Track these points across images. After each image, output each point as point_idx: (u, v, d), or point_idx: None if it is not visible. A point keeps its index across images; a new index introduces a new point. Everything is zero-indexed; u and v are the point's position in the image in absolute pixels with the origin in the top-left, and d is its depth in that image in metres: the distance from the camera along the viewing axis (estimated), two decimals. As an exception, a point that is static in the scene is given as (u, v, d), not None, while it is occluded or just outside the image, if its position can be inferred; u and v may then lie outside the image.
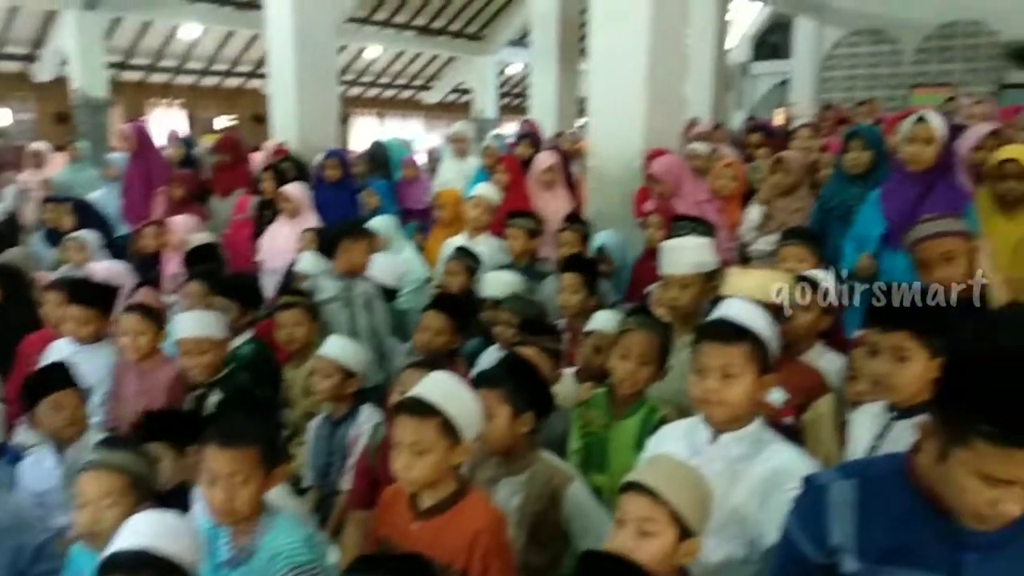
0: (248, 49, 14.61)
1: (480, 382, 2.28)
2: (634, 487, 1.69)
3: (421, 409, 1.91)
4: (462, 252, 3.98)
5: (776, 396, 2.33)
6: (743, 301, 2.08)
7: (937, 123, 3.29)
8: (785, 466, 1.85)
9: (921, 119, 3.33)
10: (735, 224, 4.49)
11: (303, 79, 6.55)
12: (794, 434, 2.34)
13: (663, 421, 2.34)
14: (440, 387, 1.97)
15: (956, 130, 4.11)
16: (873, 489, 1.50)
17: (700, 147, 5.05)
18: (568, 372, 3.02)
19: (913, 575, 1.43)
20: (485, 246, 4.32)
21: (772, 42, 14.90)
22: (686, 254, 2.83)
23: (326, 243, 3.79)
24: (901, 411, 1.93)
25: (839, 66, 12.23)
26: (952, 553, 1.40)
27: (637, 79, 4.76)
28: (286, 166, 5.47)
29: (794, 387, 2.34)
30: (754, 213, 4.32)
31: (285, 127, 6.67)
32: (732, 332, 1.92)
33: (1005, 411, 1.23)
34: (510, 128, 13.43)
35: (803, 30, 12.32)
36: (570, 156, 5.69)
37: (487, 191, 4.51)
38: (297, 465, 3.07)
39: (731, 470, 1.90)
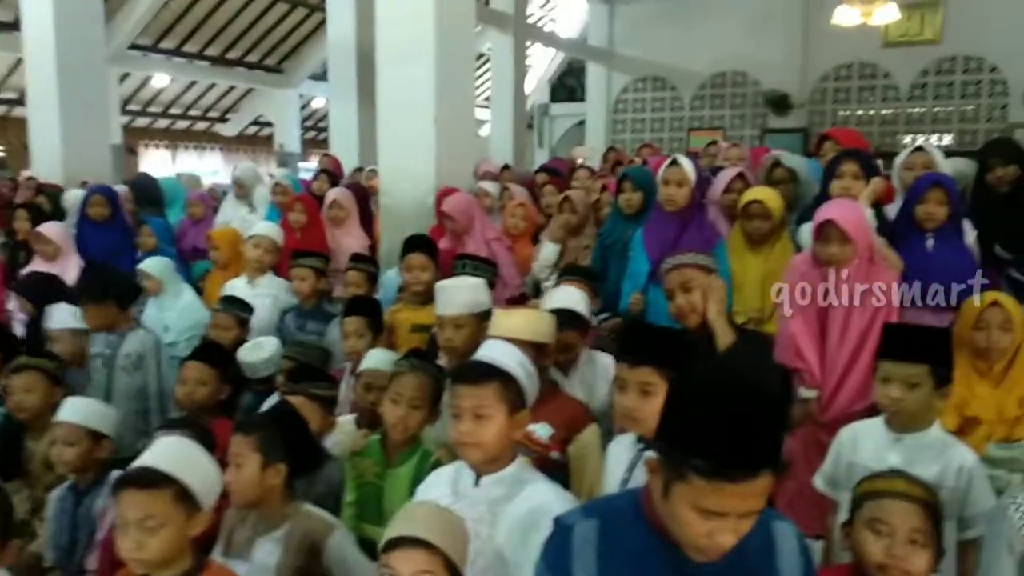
0: (12, 74, 13.31)
1: (235, 429, 2.18)
2: (405, 542, 1.64)
3: (150, 480, 1.75)
4: (229, 302, 3.76)
5: (541, 431, 2.37)
6: (501, 342, 2.10)
7: (688, 166, 3.55)
8: (543, 505, 1.87)
9: (674, 162, 3.58)
10: (526, 261, 4.60)
11: (68, 107, 6.03)
12: (563, 468, 2.40)
13: (437, 465, 2.31)
14: (170, 452, 1.82)
15: (717, 172, 4.47)
16: (612, 527, 1.52)
17: (489, 186, 5.14)
18: (346, 419, 2.92)
19: None
20: (269, 288, 4.13)
21: (569, 85, 15.71)
22: (459, 294, 2.84)
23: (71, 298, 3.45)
24: (647, 443, 2.01)
25: (628, 109, 13.07)
26: None
27: (426, 118, 4.80)
28: (40, 200, 4.96)
29: (559, 421, 2.39)
30: (548, 251, 4.45)
31: (46, 159, 6.09)
32: (481, 373, 1.94)
33: (713, 446, 1.28)
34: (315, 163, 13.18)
35: (594, 75, 13.07)
36: (370, 192, 5.61)
37: (268, 230, 4.32)
38: (39, 543, 2.72)
39: (492, 512, 1.89)
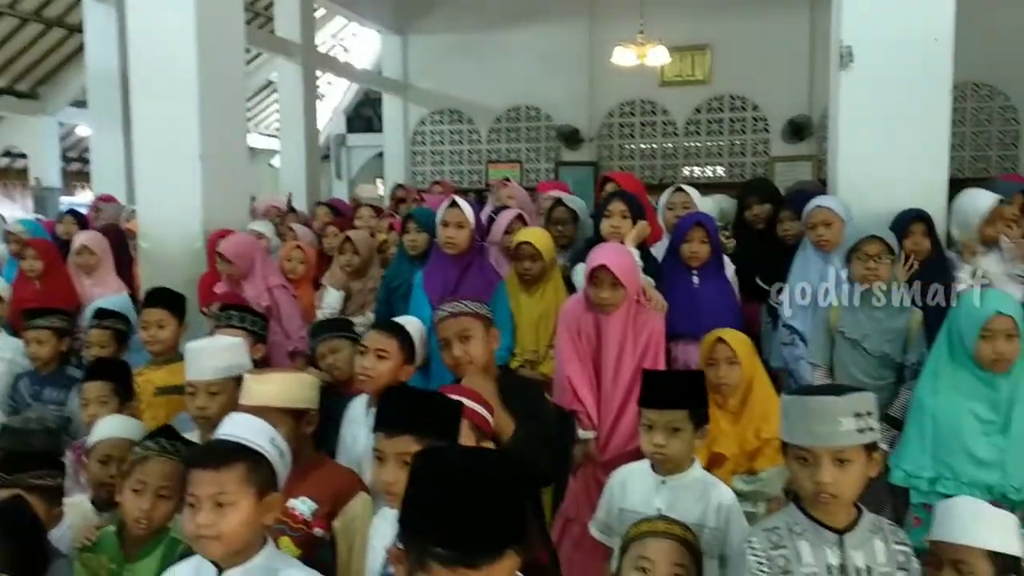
0: None
1: None
2: None
3: None
4: None
5: (303, 507, 2.17)
6: (245, 416, 1.89)
7: (467, 208, 3.50)
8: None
9: (453, 204, 3.52)
10: (310, 308, 4.35)
11: None
12: (331, 545, 2.21)
13: (185, 555, 2.03)
14: None
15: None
16: None
17: (261, 227, 4.84)
18: (78, 499, 2.54)
19: None
20: (1, 351, 3.60)
21: (366, 116, 15.46)
22: (211, 357, 2.57)
23: None
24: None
25: (426, 141, 13.05)
26: None
27: (190, 155, 4.41)
28: None
29: (326, 493, 2.20)
30: (331, 297, 4.23)
31: None
32: (222, 454, 1.72)
33: (450, 531, 1.19)
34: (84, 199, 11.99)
35: (391, 107, 12.95)
36: (129, 235, 5.09)
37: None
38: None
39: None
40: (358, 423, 2.63)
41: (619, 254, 2.95)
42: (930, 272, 3.42)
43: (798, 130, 10.96)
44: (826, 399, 1.76)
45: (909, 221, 3.52)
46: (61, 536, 2.36)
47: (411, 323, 2.85)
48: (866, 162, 3.72)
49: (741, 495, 2.57)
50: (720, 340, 2.81)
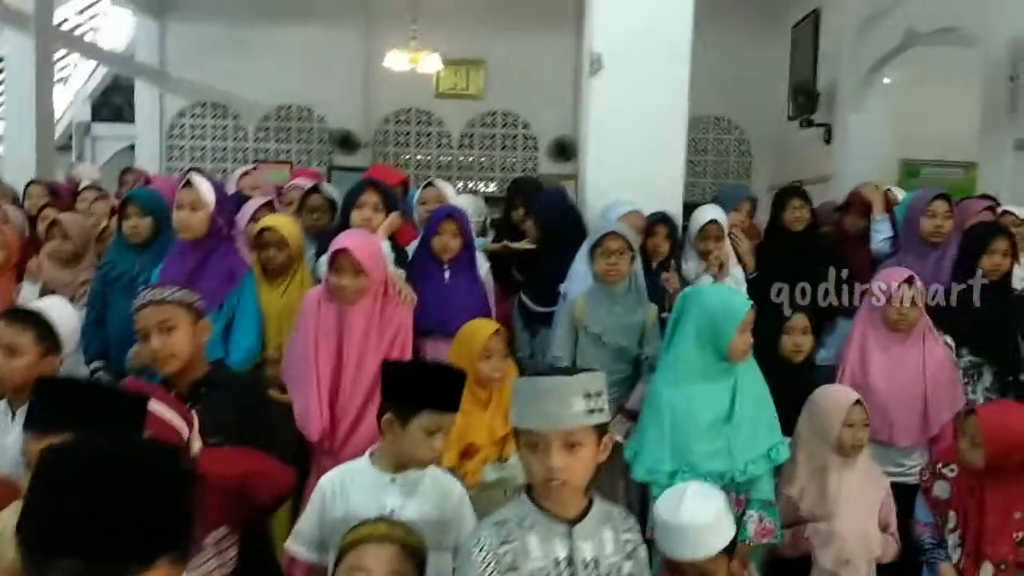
0: None
1: None
2: None
3: None
4: None
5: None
6: None
7: (204, 189, 3.16)
8: None
9: (187, 183, 3.18)
10: (6, 302, 3.72)
11: None
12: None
13: None
14: None
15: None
16: None
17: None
18: None
19: None
20: None
21: (116, 104, 14.06)
22: None
23: None
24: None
25: (186, 135, 12.11)
26: None
27: None
28: None
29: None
30: (26, 291, 3.66)
31: None
32: None
33: (81, 536, 0.96)
34: None
35: (145, 95, 11.87)
36: None
37: None
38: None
39: None
40: None
41: (364, 239, 2.79)
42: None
43: (563, 149, 11.45)
44: (556, 379, 1.71)
45: (654, 223, 3.68)
46: None
47: (55, 308, 2.48)
48: (614, 166, 3.89)
49: (492, 484, 2.52)
50: (498, 332, 2.77)
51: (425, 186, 3.93)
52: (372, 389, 2.69)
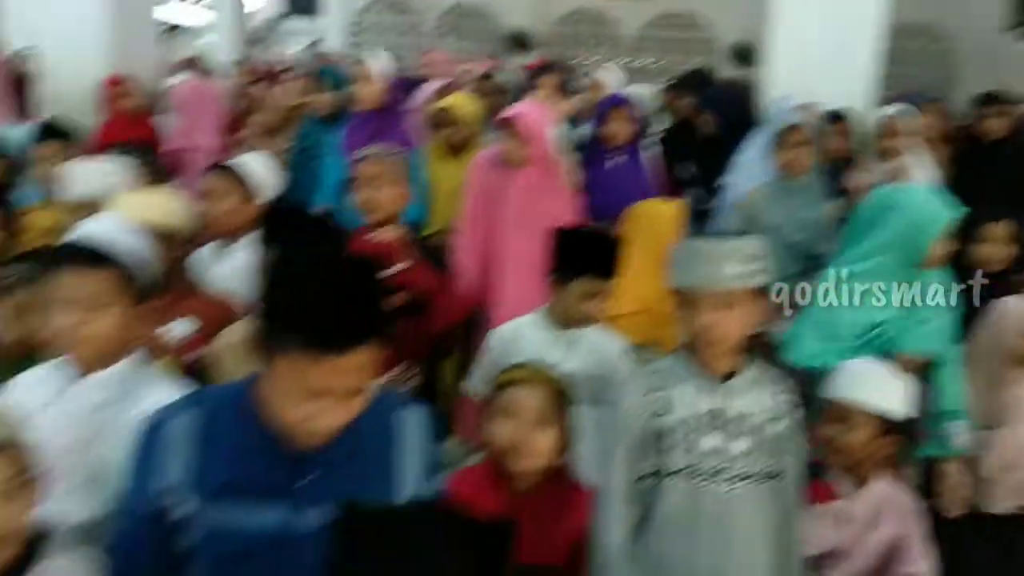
0: None
1: None
2: None
3: None
4: None
5: (181, 328, 2.09)
6: (110, 218, 1.78)
7: (377, 64, 3.39)
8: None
9: (360, 61, 3.41)
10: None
11: None
12: (202, 370, 2.15)
13: None
14: None
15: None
16: (216, 419, 1.35)
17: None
18: None
19: (251, 508, 1.31)
20: None
21: (303, 2, 14.75)
22: (88, 175, 2.44)
23: None
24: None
25: (368, 31, 12.57)
26: (288, 479, 1.31)
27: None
28: None
29: (202, 317, 2.15)
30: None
31: None
32: (91, 257, 1.62)
33: (311, 319, 1.18)
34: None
35: (331, -8, 12.39)
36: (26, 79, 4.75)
37: None
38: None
39: (94, 418, 1.63)
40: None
41: (536, 111, 2.87)
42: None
43: (744, 55, 10.90)
44: (713, 241, 1.75)
45: (829, 120, 3.55)
46: None
47: (255, 162, 2.71)
48: (801, 72, 3.74)
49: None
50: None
51: (594, 73, 3.94)
52: (528, 252, 2.80)
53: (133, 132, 3.92)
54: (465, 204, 2.98)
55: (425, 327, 2.12)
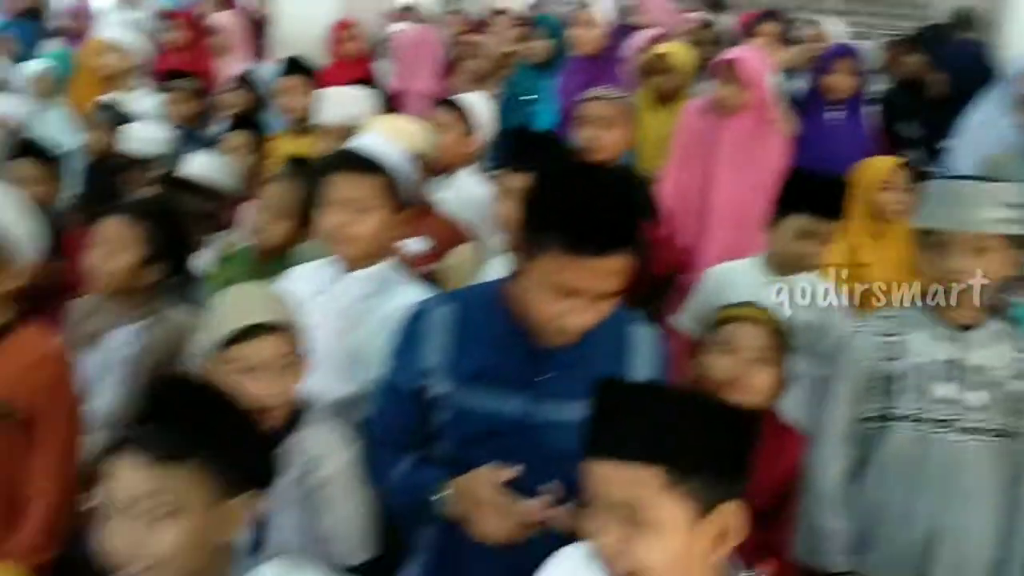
0: None
1: (117, 210, 2.04)
2: (259, 329, 1.52)
3: None
4: (104, 108, 3.49)
5: (416, 246, 2.27)
6: (379, 135, 1.96)
7: (598, 10, 3.42)
8: (410, 305, 1.78)
9: (584, 4, 3.45)
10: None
11: None
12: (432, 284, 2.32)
13: None
14: None
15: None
16: (472, 312, 1.48)
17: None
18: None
19: (497, 394, 1.44)
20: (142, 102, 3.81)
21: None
22: (341, 101, 2.66)
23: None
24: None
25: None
26: (532, 372, 1.42)
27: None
28: None
29: (433, 237, 2.31)
30: None
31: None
32: (365, 163, 1.81)
33: (572, 219, 1.26)
34: None
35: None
36: (263, 21, 5.21)
37: (126, 37, 3.97)
38: None
39: (355, 308, 1.82)
40: None
41: (756, 55, 2.82)
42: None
43: (966, 21, 9.97)
44: (971, 182, 1.68)
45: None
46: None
47: (478, 102, 2.82)
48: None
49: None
50: (901, 165, 2.64)
51: (807, 24, 3.78)
52: (739, 201, 2.78)
53: (353, 75, 4.20)
54: (673, 152, 2.98)
55: (644, 274, 2.17)
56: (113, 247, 1.98)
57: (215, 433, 1.14)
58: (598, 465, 1.03)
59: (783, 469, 1.85)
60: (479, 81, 4.26)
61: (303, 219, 2.34)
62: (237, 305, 1.57)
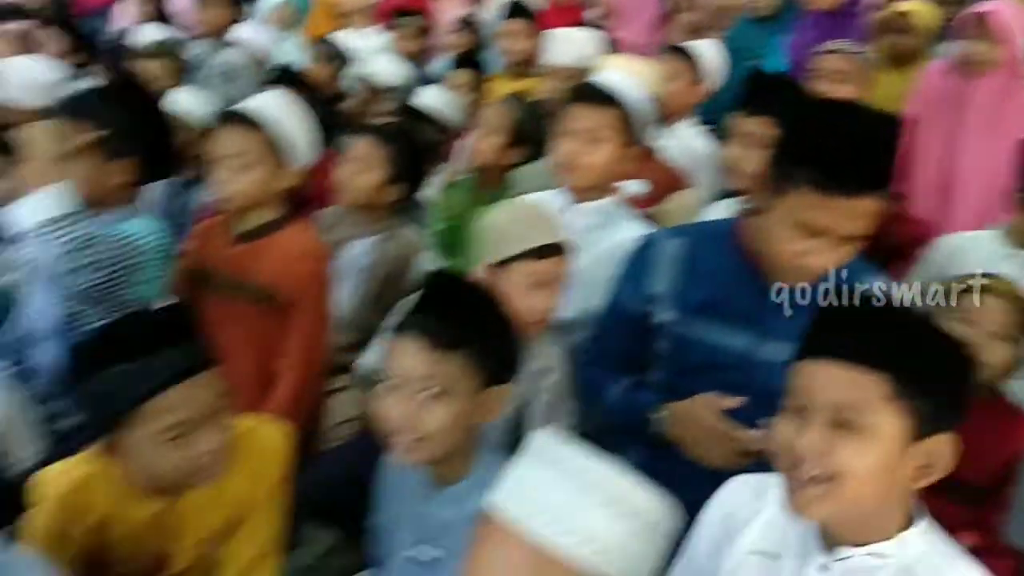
0: None
1: (367, 130, 2.25)
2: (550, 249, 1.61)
3: (246, 121, 1.78)
4: (324, 43, 3.77)
5: (635, 188, 2.30)
6: (620, 72, 2.00)
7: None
8: (632, 240, 1.83)
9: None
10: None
11: None
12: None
13: None
14: (272, 104, 1.83)
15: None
16: (701, 247, 1.51)
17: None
18: None
19: (721, 328, 1.46)
20: (367, 39, 4.05)
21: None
22: (572, 42, 2.71)
23: None
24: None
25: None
26: (760, 308, 1.43)
27: None
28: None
29: (653, 181, 2.30)
30: None
31: None
32: (602, 96, 1.86)
33: (826, 156, 1.26)
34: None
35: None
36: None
37: None
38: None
39: (579, 239, 1.87)
40: None
41: (1010, 8, 2.56)
42: None
43: None
44: None
45: None
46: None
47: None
48: None
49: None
50: None
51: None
52: (988, 165, 2.55)
53: (569, 21, 4.24)
54: (909, 118, 2.79)
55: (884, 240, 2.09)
56: (362, 165, 2.17)
57: (484, 329, 1.26)
58: (817, 366, 1.00)
59: (1006, 451, 1.77)
60: (694, 34, 4.17)
61: (519, 147, 2.47)
62: (530, 222, 1.65)
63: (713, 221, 1.74)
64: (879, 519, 1.02)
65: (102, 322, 1.46)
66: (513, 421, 1.62)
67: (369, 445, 1.61)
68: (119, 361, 1.15)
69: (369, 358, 1.92)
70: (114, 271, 1.50)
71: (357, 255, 2.21)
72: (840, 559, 1.03)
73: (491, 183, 2.49)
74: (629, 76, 2.25)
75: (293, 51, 4.22)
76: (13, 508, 1.05)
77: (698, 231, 1.60)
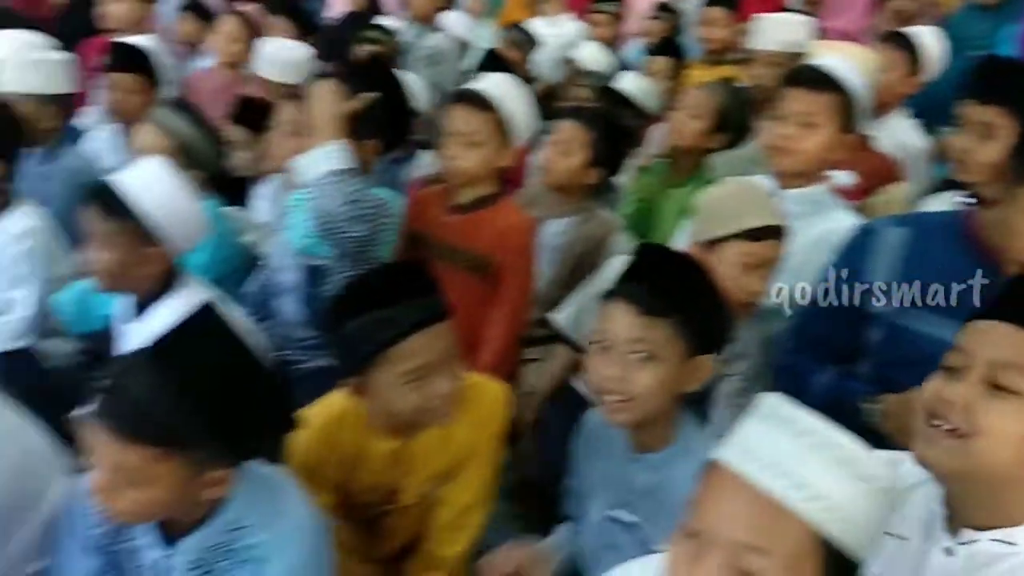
0: None
1: (571, 114, 2.30)
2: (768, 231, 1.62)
3: (479, 101, 1.88)
4: (516, 30, 3.84)
5: (844, 179, 2.23)
6: (838, 58, 1.95)
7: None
8: (841, 229, 1.78)
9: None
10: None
11: None
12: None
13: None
14: (500, 85, 1.93)
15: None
16: (926, 237, 1.45)
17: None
18: None
19: (941, 319, 1.39)
20: (562, 28, 4.12)
21: None
22: (776, 28, 2.66)
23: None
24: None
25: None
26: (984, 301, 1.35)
27: None
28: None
29: (865, 172, 2.23)
30: None
31: None
32: (820, 79, 1.82)
33: None
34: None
35: None
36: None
37: None
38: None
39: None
40: None
41: None
42: None
43: None
44: None
45: None
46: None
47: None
48: None
49: None
50: None
51: None
52: None
53: (769, 8, 4.12)
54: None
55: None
56: (565, 147, 2.23)
57: (694, 299, 1.30)
58: (989, 325, 0.98)
59: None
60: (905, 22, 3.95)
61: (720, 133, 2.45)
62: (750, 201, 1.66)
63: (937, 212, 1.66)
64: (1011, 500, 0.98)
65: (346, 276, 1.61)
66: (696, 397, 1.65)
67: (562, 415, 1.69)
68: (370, 310, 1.29)
69: (562, 316, 1.99)
70: (375, 227, 1.66)
71: (553, 234, 2.28)
72: (965, 543, 0.99)
73: (686, 168, 2.50)
74: (847, 61, 2.21)
75: (487, 37, 4.40)
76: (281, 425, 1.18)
77: (922, 221, 1.54)
